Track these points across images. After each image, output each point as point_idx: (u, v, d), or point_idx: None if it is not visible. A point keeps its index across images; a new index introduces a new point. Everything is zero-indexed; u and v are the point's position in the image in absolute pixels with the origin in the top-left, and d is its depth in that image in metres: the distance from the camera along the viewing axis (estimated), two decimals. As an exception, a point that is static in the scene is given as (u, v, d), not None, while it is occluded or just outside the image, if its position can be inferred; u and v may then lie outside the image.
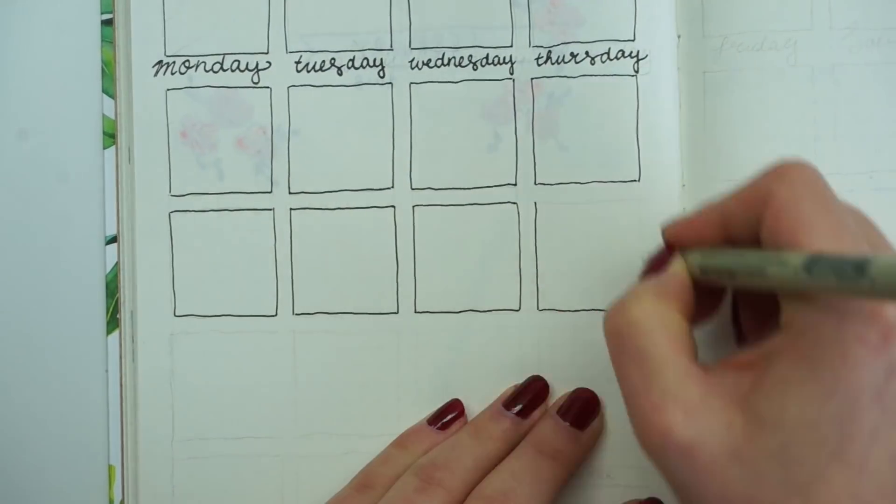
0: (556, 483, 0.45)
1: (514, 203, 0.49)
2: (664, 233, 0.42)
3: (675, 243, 0.41)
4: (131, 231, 0.50)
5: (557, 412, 0.46)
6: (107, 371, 0.50)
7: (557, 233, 0.48)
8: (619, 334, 0.39)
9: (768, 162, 0.38)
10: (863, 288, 0.32)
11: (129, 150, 0.50)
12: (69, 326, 0.50)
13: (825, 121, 0.48)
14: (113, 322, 0.50)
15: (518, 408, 0.47)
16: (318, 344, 0.49)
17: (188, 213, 0.49)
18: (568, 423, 0.46)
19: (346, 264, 0.49)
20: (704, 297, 0.41)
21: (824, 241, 0.35)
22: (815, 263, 0.34)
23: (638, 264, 0.47)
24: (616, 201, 0.48)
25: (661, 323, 0.38)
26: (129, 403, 0.49)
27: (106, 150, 0.51)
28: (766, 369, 0.36)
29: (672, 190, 0.48)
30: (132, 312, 0.50)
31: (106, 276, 0.50)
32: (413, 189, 0.49)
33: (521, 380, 0.48)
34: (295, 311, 0.49)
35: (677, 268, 0.40)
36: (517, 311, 0.48)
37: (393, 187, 0.49)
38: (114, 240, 0.50)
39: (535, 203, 0.48)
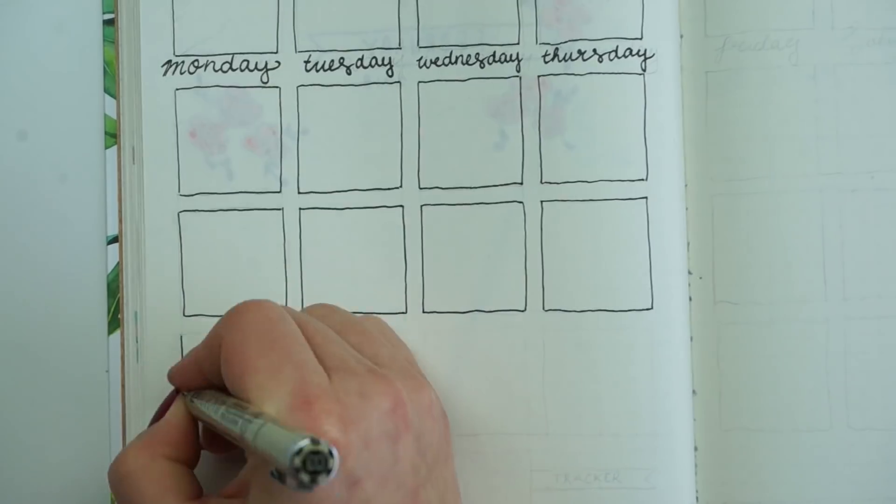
0: None
1: (521, 202, 0.49)
2: (168, 375, 0.45)
3: (176, 386, 0.45)
4: (137, 231, 0.50)
5: None
6: (107, 372, 0.50)
7: (564, 232, 0.49)
8: (116, 489, 0.42)
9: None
10: (241, 443, 0.37)
11: (133, 150, 0.50)
12: (70, 327, 0.51)
13: (827, 120, 0.48)
14: (114, 322, 0.50)
15: None
16: (327, 342, 0.49)
17: (197, 212, 0.49)
18: None
19: (354, 264, 0.49)
20: None
21: (263, 379, 0.38)
22: (224, 417, 0.38)
23: (644, 264, 0.48)
24: (623, 200, 0.48)
25: (147, 473, 0.42)
26: (132, 404, 0.50)
27: (108, 150, 0.51)
28: (246, 498, 0.39)
29: (677, 189, 0.48)
30: (136, 313, 0.50)
31: (107, 277, 0.50)
32: (421, 188, 0.49)
33: (526, 381, 0.48)
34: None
35: (174, 412, 0.44)
36: (522, 311, 0.49)
37: (401, 187, 0.49)
38: (115, 240, 0.50)
39: (542, 202, 0.49)
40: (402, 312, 0.49)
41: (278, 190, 0.49)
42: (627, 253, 0.48)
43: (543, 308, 0.49)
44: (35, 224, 0.51)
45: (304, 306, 0.47)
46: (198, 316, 0.49)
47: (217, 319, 0.48)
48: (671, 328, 0.48)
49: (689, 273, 0.49)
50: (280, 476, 0.34)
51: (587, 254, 0.48)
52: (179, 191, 0.50)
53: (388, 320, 0.49)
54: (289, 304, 0.49)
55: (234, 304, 0.42)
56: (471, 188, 0.49)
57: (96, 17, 0.51)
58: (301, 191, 0.49)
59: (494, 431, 0.49)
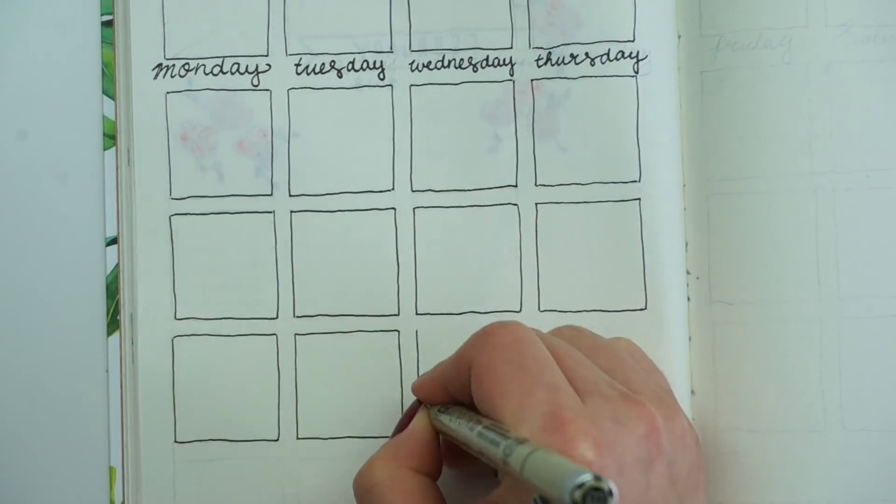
0: None
1: (515, 204, 0.49)
2: (411, 387, 0.45)
3: (420, 399, 0.45)
4: (131, 233, 0.49)
5: None
6: (107, 373, 0.50)
7: (558, 234, 0.48)
8: (362, 498, 0.42)
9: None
10: (504, 466, 0.35)
11: (129, 152, 0.50)
12: (69, 328, 0.50)
13: (821, 119, 0.48)
14: (113, 324, 0.50)
15: None
16: (320, 346, 0.49)
17: (188, 215, 0.49)
18: None
19: (347, 266, 0.49)
20: None
21: (515, 401, 0.38)
22: (481, 436, 0.37)
23: (637, 265, 0.48)
24: (617, 202, 0.48)
25: (394, 484, 0.41)
26: (129, 406, 0.49)
27: (106, 152, 0.50)
28: None
29: (673, 190, 0.48)
30: (132, 315, 0.49)
31: (106, 278, 0.50)
32: (414, 191, 0.49)
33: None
34: (296, 314, 0.49)
35: (418, 425, 0.44)
36: (518, 312, 0.49)
37: (393, 189, 0.49)
38: (114, 241, 0.50)
39: (536, 204, 0.49)
40: (395, 315, 0.49)
41: (269, 193, 0.49)
42: (621, 254, 0.48)
43: (539, 309, 0.48)
44: (35, 225, 0.51)
45: (549, 329, 0.46)
46: (189, 319, 0.49)
47: (213, 322, 0.48)
48: (667, 328, 0.48)
49: (688, 273, 0.49)
50: (544, 502, 0.33)
51: (581, 255, 0.48)
52: (171, 194, 0.49)
53: (381, 322, 0.49)
54: (281, 308, 0.49)
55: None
56: (464, 191, 0.49)
57: (95, 18, 0.51)
58: (292, 194, 0.49)
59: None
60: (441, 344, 0.48)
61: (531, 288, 0.49)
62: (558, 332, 0.45)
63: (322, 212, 0.49)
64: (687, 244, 0.49)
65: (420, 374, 0.48)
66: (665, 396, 0.43)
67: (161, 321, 0.49)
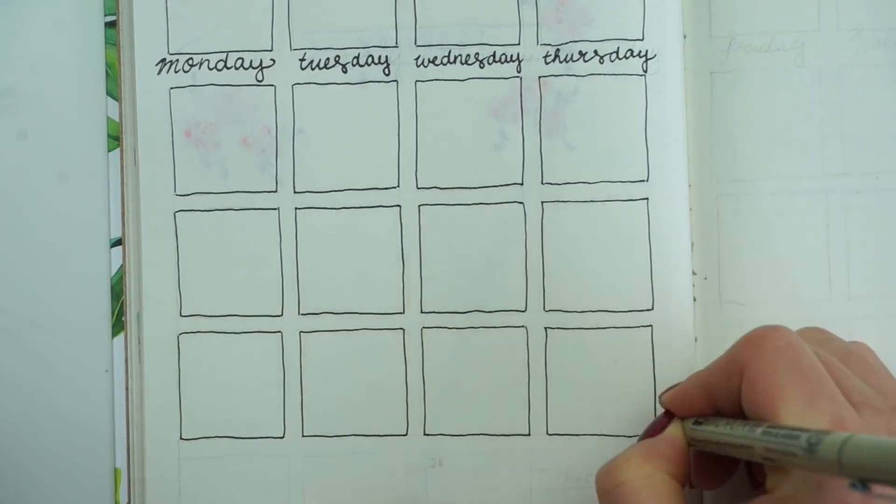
0: None
1: (521, 203, 0.48)
2: (661, 399, 0.44)
3: (674, 411, 0.43)
4: (137, 232, 0.49)
5: None
6: (112, 374, 0.50)
7: (564, 233, 0.48)
8: (609, 495, 0.41)
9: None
10: (815, 464, 0.34)
11: (135, 152, 0.49)
12: (74, 330, 0.50)
13: (831, 121, 0.48)
14: (118, 325, 0.50)
15: None
16: (324, 343, 0.49)
17: (193, 212, 0.49)
18: None
19: (351, 264, 0.49)
20: (721, 462, 0.43)
21: (798, 408, 0.37)
22: (768, 434, 0.36)
23: (644, 264, 0.47)
24: (624, 201, 0.48)
25: (648, 484, 0.40)
26: (134, 405, 0.49)
27: (110, 153, 0.50)
28: None
29: (680, 190, 0.48)
30: (138, 314, 0.49)
31: (111, 279, 0.50)
32: (419, 188, 0.49)
33: (527, 381, 0.48)
34: (301, 311, 0.49)
35: (673, 432, 0.43)
36: (523, 311, 0.48)
37: (398, 186, 0.49)
38: (118, 242, 0.50)
39: (542, 203, 0.48)
40: (400, 313, 0.49)
41: (274, 189, 0.49)
42: (628, 253, 0.48)
43: (544, 308, 0.48)
44: (39, 227, 0.51)
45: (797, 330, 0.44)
46: (194, 316, 0.49)
47: (218, 319, 0.48)
48: (673, 328, 0.48)
49: (694, 273, 0.48)
50: (861, 486, 0.32)
51: (588, 254, 0.48)
52: (175, 190, 0.49)
53: (386, 320, 0.49)
54: (286, 305, 0.49)
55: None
56: (470, 188, 0.48)
57: (98, 19, 0.50)
58: (297, 190, 0.49)
59: (495, 431, 0.48)
60: (446, 342, 0.48)
61: (536, 287, 0.48)
62: (805, 333, 0.44)
63: (327, 209, 0.49)
64: (693, 245, 0.48)
65: (425, 371, 0.48)
66: None
67: (166, 318, 0.49)
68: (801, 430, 0.35)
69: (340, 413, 0.49)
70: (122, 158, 0.50)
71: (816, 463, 0.33)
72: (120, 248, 0.50)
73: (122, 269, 0.50)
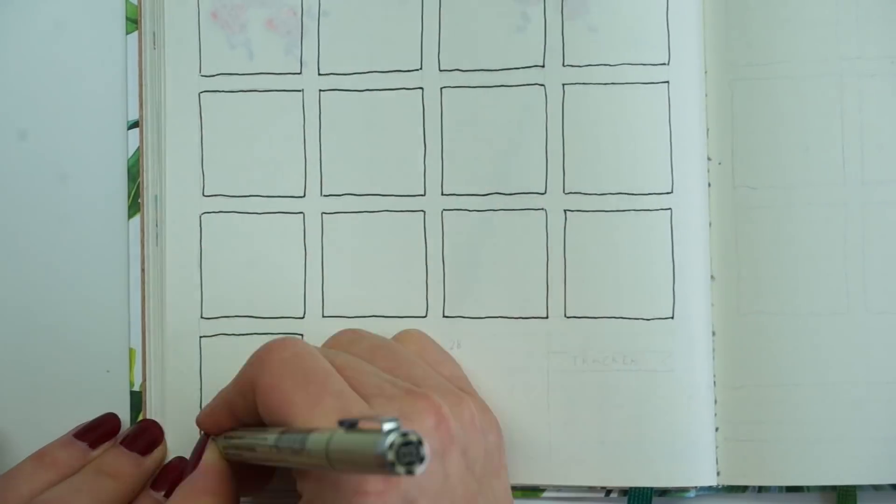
0: (116, 499, 0.46)
1: (542, 85, 0.49)
2: (196, 421, 0.46)
3: (206, 431, 0.45)
4: (157, 114, 0.50)
5: (122, 442, 0.48)
6: (128, 255, 0.50)
7: (585, 115, 0.48)
8: None
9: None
10: (305, 459, 0.35)
11: (154, 35, 0.50)
12: (90, 211, 0.51)
13: (846, 3, 0.48)
14: (134, 206, 0.50)
15: (88, 442, 0.48)
16: (346, 225, 0.49)
17: (217, 93, 0.49)
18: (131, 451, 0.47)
19: (373, 146, 0.49)
20: (258, 469, 0.45)
21: (305, 414, 0.38)
22: (279, 440, 0.37)
23: (665, 148, 0.48)
24: (645, 84, 0.48)
25: None
26: (151, 285, 0.50)
27: (129, 36, 0.50)
28: None
29: (699, 74, 0.48)
30: (156, 196, 0.50)
31: (128, 161, 0.50)
32: (441, 70, 0.49)
33: (546, 265, 0.49)
34: (323, 192, 0.49)
35: (209, 459, 0.44)
36: (543, 194, 0.49)
37: (421, 69, 0.49)
38: (136, 125, 0.50)
39: (563, 85, 0.49)
40: (421, 195, 0.49)
41: (298, 71, 0.49)
42: (648, 137, 0.48)
43: (564, 191, 0.49)
44: (57, 114, 0.51)
45: (327, 338, 0.47)
46: (217, 196, 0.49)
47: (241, 199, 0.48)
48: (690, 213, 0.48)
49: (709, 159, 0.49)
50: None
51: (608, 137, 0.48)
52: (200, 71, 0.49)
53: (406, 202, 0.49)
54: (308, 186, 0.49)
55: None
56: (492, 70, 0.49)
57: None
58: (321, 72, 0.49)
59: (513, 314, 0.49)
60: (466, 224, 0.49)
61: (556, 170, 0.49)
62: (336, 339, 0.46)
63: (350, 91, 0.49)
64: (708, 130, 0.49)
65: (444, 254, 0.49)
66: (449, 385, 0.44)
67: (189, 198, 0.49)
68: (298, 434, 0.36)
69: (360, 294, 0.49)
70: (140, 41, 0.50)
71: (316, 462, 0.34)
72: (137, 130, 0.50)
73: (138, 151, 0.50)
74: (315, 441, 0.34)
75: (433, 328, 0.49)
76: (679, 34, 0.48)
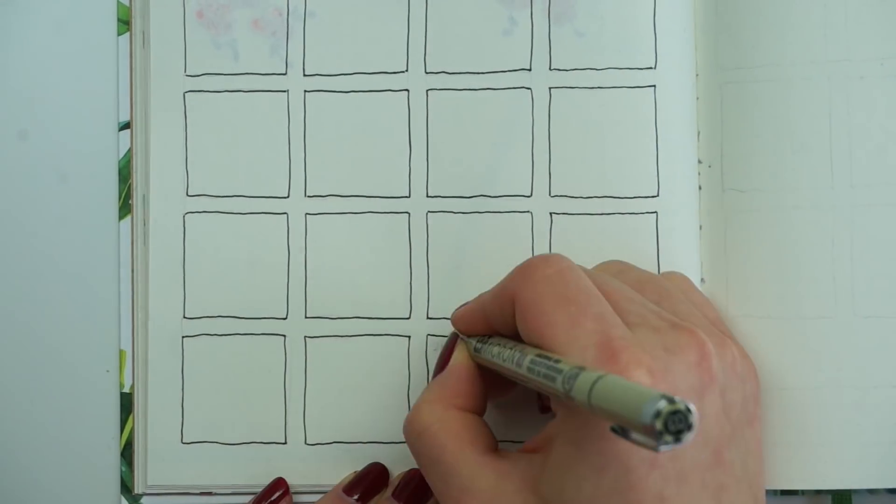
0: None
1: (529, 88, 0.49)
2: (451, 316, 0.45)
3: (458, 329, 0.45)
4: (145, 113, 0.49)
5: (393, 494, 0.46)
6: (118, 256, 0.50)
7: (571, 119, 0.48)
8: (414, 446, 0.42)
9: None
10: (560, 391, 0.34)
11: (144, 35, 0.50)
12: (82, 213, 0.50)
13: (835, 6, 0.48)
14: (125, 208, 0.50)
15: (357, 495, 0.47)
16: (330, 226, 0.49)
17: (203, 93, 0.49)
18: None
19: (359, 147, 0.49)
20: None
21: (563, 335, 0.37)
22: (533, 363, 0.37)
23: (651, 151, 0.48)
24: (631, 88, 0.48)
25: (444, 427, 0.41)
26: (140, 286, 0.49)
27: (120, 37, 0.50)
28: (549, 452, 0.39)
29: (687, 78, 0.48)
30: (144, 196, 0.49)
31: (119, 162, 0.50)
32: (427, 73, 0.49)
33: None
34: (307, 193, 0.49)
35: (459, 361, 0.43)
36: (528, 196, 0.48)
37: (407, 71, 0.49)
38: (127, 126, 0.50)
39: (550, 89, 0.48)
40: (406, 197, 0.49)
41: (283, 72, 0.49)
42: (635, 140, 0.48)
43: (550, 194, 0.48)
44: (49, 112, 0.51)
45: (596, 264, 0.46)
46: (201, 196, 0.49)
47: (225, 199, 0.48)
48: (678, 216, 0.48)
49: (699, 162, 0.48)
50: (622, 432, 0.32)
51: (594, 141, 0.48)
52: (185, 71, 0.49)
53: (391, 204, 0.49)
54: (292, 187, 0.49)
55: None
56: (478, 73, 0.49)
57: None
58: (306, 73, 0.49)
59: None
60: (451, 226, 0.48)
61: (542, 173, 0.48)
62: (605, 266, 0.45)
63: (336, 92, 0.49)
64: (699, 133, 0.49)
65: (430, 256, 0.48)
66: (715, 326, 0.43)
67: (173, 197, 0.49)
68: (560, 368, 0.35)
69: (344, 295, 0.49)
70: (131, 42, 0.50)
71: (577, 403, 0.33)
72: (128, 131, 0.50)
73: (129, 152, 0.50)
74: (581, 383, 0.33)
75: (417, 329, 0.48)
76: (666, 38, 0.48)
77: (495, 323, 0.42)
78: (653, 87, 0.48)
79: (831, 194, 0.47)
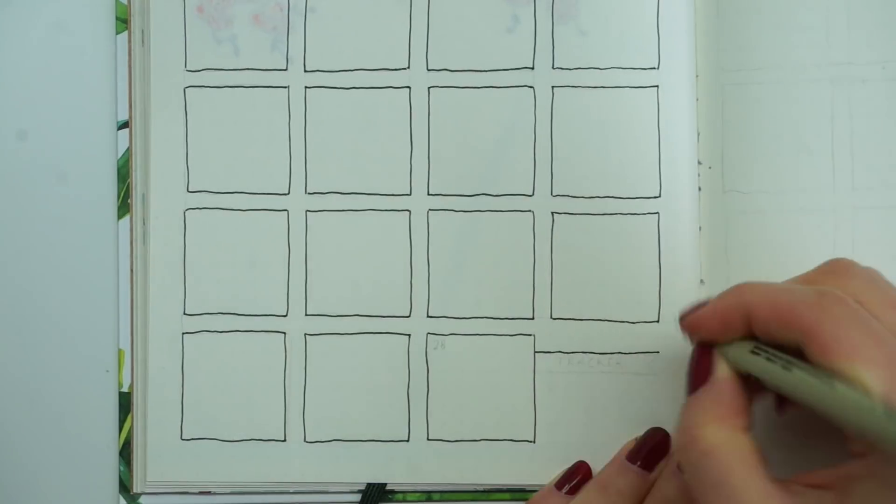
0: None
1: (531, 87, 0.48)
2: (682, 321, 0.43)
3: (701, 336, 0.42)
4: (145, 110, 0.49)
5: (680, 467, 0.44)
6: (117, 255, 0.50)
7: (574, 118, 0.48)
8: (695, 465, 0.39)
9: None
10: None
11: (143, 33, 0.49)
12: (81, 213, 0.50)
13: (837, 10, 0.48)
14: (124, 207, 0.49)
15: (640, 462, 0.46)
16: (331, 223, 0.49)
17: (203, 88, 0.49)
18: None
19: (359, 144, 0.49)
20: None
21: (881, 370, 0.36)
22: (826, 394, 0.36)
23: (653, 152, 0.48)
24: (634, 88, 0.48)
25: (732, 449, 0.39)
26: (139, 285, 0.49)
27: (118, 36, 0.50)
28: (849, 492, 0.37)
29: (689, 79, 0.48)
30: (143, 195, 0.49)
31: (117, 162, 0.50)
32: (429, 70, 0.49)
33: (533, 267, 0.48)
34: (307, 190, 0.49)
35: (724, 374, 0.41)
36: (530, 196, 0.48)
37: (409, 68, 0.49)
38: (125, 125, 0.50)
39: (553, 87, 0.48)
40: (407, 194, 0.49)
41: (284, 68, 0.49)
42: (637, 141, 0.48)
43: (552, 193, 0.48)
44: (48, 113, 0.50)
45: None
46: (201, 192, 0.49)
47: (225, 196, 0.47)
48: (679, 217, 0.48)
49: (699, 163, 0.48)
50: None
51: (597, 140, 0.48)
52: (186, 66, 0.49)
53: (392, 201, 0.48)
54: (293, 183, 0.49)
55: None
56: (481, 71, 0.49)
57: None
58: (307, 69, 0.49)
59: (499, 314, 0.48)
60: (452, 225, 0.48)
61: (544, 172, 0.48)
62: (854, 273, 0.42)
63: (337, 88, 0.49)
64: (699, 134, 0.48)
65: (430, 253, 0.48)
66: None
67: (173, 194, 0.49)
68: (859, 396, 0.34)
69: (344, 293, 0.49)
70: (129, 40, 0.50)
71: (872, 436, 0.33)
72: (126, 130, 0.50)
73: (128, 151, 0.49)
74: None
75: (417, 328, 0.48)
76: (669, 38, 0.48)
77: (763, 332, 0.40)
78: (656, 88, 0.48)
79: (832, 197, 0.47)
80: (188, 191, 0.49)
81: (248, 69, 0.49)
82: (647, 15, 0.48)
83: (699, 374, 0.41)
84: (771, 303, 0.39)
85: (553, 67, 0.48)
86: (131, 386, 0.49)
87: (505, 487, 0.48)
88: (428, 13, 0.49)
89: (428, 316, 0.48)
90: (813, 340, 0.37)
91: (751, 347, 0.40)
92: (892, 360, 0.36)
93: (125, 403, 0.49)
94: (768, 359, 0.39)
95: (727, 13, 0.48)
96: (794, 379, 0.38)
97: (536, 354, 0.48)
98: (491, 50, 0.49)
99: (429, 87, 0.49)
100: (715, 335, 0.42)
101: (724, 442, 0.39)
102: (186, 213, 0.49)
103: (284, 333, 0.48)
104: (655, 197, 0.48)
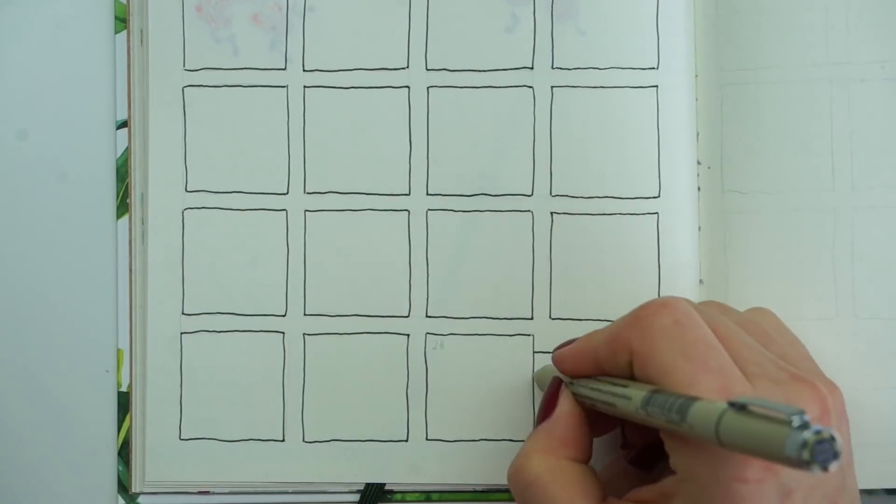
0: None
1: (531, 87, 0.48)
2: (553, 355, 0.44)
3: (563, 371, 0.44)
4: (144, 110, 0.49)
5: None
6: (116, 255, 0.49)
7: (573, 118, 0.48)
8: (521, 495, 0.41)
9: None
10: (685, 430, 0.34)
11: (142, 32, 0.49)
12: (80, 213, 0.50)
13: (836, 9, 0.48)
14: (123, 206, 0.49)
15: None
16: (329, 223, 0.49)
17: (202, 87, 0.49)
18: None
19: (358, 143, 0.49)
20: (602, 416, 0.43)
21: (684, 389, 0.37)
22: (647, 402, 0.37)
23: (652, 152, 0.48)
24: (633, 88, 0.48)
25: (555, 478, 0.41)
26: (138, 285, 0.49)
27: (117, 35, 0.50)
28: None
29: (688, 79, 0.48)
30: (142, 194, 0.49)
31: (116, 161, 0.50)
32: (428, 70, 0.49)
33: (532, 267, 0.48)
34: (306, 190, 0.49)
35: (566, 409, 0.43)
36: (529, 196, 0.48)
37: (408, 67, 0.49)
38: (124, 125, 0.50)
39: (552, 87, 0.48)
40: (406, 194, 0.48)
41: (283, 67, 0.49)
42: (636, 141, 0.48)
43: (551, 193, 0.48)
44: (46, 112, 0.50)
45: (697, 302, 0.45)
46: (200, 192, 0.49)
47: (223, 195, 0.47)
48: (678, 217, 0.48)
49: (699, 163, 0.48)
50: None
51: (596, 140, 0.48)
52: (184, 65, 0.49)
53: (391, 201, 0.48)
54: (292, 183, 0.49)
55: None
56: (480, 71, 0.49)
57: None
58: (306, 68, 0.49)
59: (498, 315, 0.48)
60: (451, 225, 0.48)
61: (543, 172, 0.48)
62: (703, 307, 0.43)
63: (335, 87, 0.49)
64: (698, 134, 0.48)
65: (429, 255, 0.48)
66: (818, 369, 0.43)
67: (172, 193, 0.49)
68: (682, 400, 0.35)
69: (343, 292, 0.49)
70: (128, 40, 0.50)
71: (696, 434, 0.33)
72: (125, 130, 0.50)
73: (127, 150, 0.49)
74: (702, 415, 0.33)
75: (416, 328, 0.48)
76: (669, 38, 0.48)
77: (605, 365, 0.41)
78: (655, 88, 0.48)
79: (832, 196, 0.47)
80: (187, 190, 0.49)
81: (246, 69, 0.49)
82: (646, 15, 0.48)
83: (545, 408, 0.43)
84: (606, 336, 0.41)
85: (552, 67, 0.48)
86: (130, 386, 0.49)
87: (504, 487, 0.48)
88: (427, 13, 0.49)
89: (427, 316, 0.48)
90: (633, 359, 0.39)
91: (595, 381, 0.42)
92: (694, 378, 0.37)
93: (124, 403, 0.49)
94: (593, 388, 0.41)
95: (726, 13, 0.48)
96: (603, 395, 0.40)
97: (535, 354, 0.48)
98: (490, 50, 0.49)
99: (428, 87, 0.49)
100: (571, 372, 0.43)
101: (547, 470, 0.41)
102: (185, 212, 0.49)
103: (283, 333, 0.48)
104: (655, 197, 0.48)
